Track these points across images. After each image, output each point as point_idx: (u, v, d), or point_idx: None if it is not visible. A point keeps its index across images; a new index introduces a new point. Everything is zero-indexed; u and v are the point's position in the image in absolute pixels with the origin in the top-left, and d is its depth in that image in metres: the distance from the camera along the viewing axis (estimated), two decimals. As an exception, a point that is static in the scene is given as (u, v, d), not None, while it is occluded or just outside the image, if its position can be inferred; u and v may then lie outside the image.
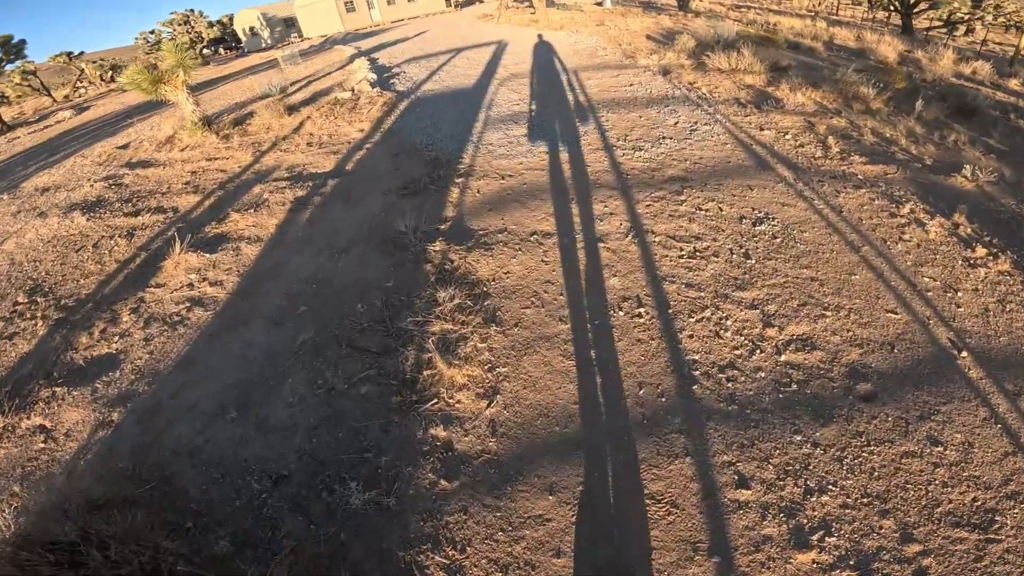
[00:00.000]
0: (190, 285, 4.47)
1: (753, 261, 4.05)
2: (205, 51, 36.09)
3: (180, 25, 32.81)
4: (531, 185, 5.31)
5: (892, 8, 21.33)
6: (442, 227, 4.79)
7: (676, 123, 6.57)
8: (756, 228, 4.45)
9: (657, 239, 4.38)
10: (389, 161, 6.21)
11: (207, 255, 4.85)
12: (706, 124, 6.50)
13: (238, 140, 8.31)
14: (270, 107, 9.15)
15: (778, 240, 4.30)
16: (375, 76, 10.79)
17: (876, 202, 4.81)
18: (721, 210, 4.72)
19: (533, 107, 7.57)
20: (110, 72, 29.82)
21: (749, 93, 7.81)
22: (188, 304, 4.21)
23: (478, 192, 5.28)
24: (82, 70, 29.56)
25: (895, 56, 12.35)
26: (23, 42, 20.06)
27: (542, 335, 3.55)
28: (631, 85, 8.32)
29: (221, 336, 3.84)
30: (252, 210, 5.62)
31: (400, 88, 9.53)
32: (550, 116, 7.13)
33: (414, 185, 5.48)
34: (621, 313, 3.64)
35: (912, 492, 2.43)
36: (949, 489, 2.43)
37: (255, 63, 21.95)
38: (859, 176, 5.28)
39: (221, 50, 36.07)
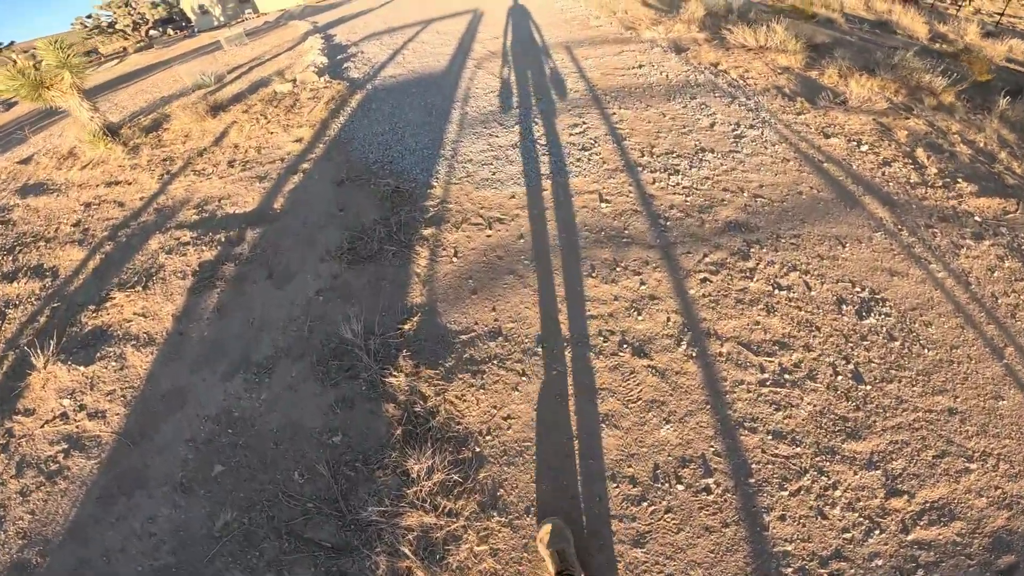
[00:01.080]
0: (63, 416, 2.93)
1: (868, 386, 2.56)
2: (152, 32, 32.42)
3: (120, 7, 29.17)
4: (529, 239, 3.56)
5: (890, -30, 19.39)
6: (406, 327, 3.05)
7: (712, 125, 4.85)
8: (863, 322, 2.87)
9: (723, 349, 2.74)
10: (331, 194, 4.37)
11: (81, 368, 3.15)
12: (752, 127, 4.80)
13: (147, 154, 6.35)
14: (192, 107, 7.12)
15: (897, 344, 2.75)
16: (326, 60, 8.75)
17: (1007, 263, 3.27)
18: (809, 288, 3.10)
19: (522, 100, 5.75)
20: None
21: (790, 80, 6.09)
22: (65, 446, 2.75)
23: (456, 255, 3.50)
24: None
25: (925, 31, 10.69)
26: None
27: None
28: (640, 67, 6.52)
29: (114, 501, 2.48)
30: (142, 287, 3.79)
31: (354, 75, 7.55)
32: (545, 114, 5.33)
33: (365, 243, 3.66)
34: (680, 487, 2.21)
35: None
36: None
37: (203, 44, 19.31)
38: (975, 217, 3.69)
39: (170, 31, 32.50)
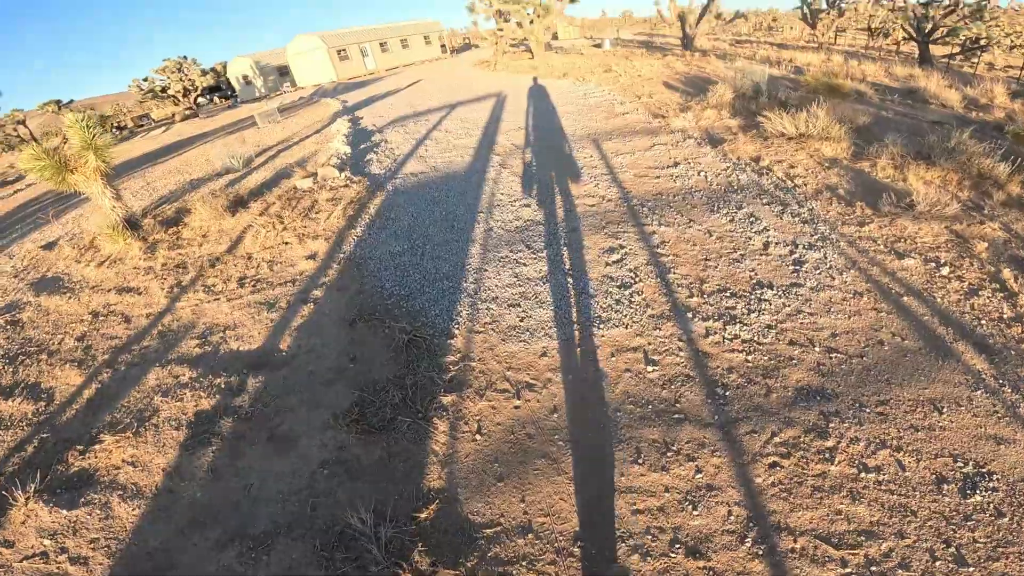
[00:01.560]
0: (44, 555, 2.75)
1: (971, 568, 2.12)
2: (200, 100, 34.24)
3: (173, 73, 31.06)
4: (564, 414, 2.96)
5: (907, 36, 19.03)
6: (423, 516, 2.51)
7: (766, 246, 4.28)
8: (967, 501, 2.33)
9: (797, 544, 2.22)
10: (342, 338, 3.88)
11: (64, 511, 2.90)
12: (811, 247, 4.21)
13: (163, 256, 6.12)
14: (213, 200, 6.96)
15: (1005, 520, 2.26)
16: (349, 149, 8.65)
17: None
18: (903, 467, 2.51)
19: (550, 212, 5.32)
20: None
21: (841, 177, 5.55)
22: (46, 585, 2.49)
23: (479, 432, 2.92)
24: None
25: (957, 98, 10.17)
26: (-3, 92, 16.99)
27: None
28: (675, 165, 6.09)
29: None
30: (133, 432, 3.41)
31: (376, 170, 7.34)
32: (576, 232, 4.85)
33: (376, 408, 3.12)
34: None
35: None
36: None
37: (241, 117, 20.13)
38: (1078, 360, 3.04)
39: (216, 99, 34.33)
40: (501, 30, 20.86)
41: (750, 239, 4.38)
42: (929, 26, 16.41)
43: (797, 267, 3.98)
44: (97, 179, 6.63)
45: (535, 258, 4.48)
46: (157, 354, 4.30)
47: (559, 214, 5.17)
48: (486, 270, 4.39)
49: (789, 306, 3.58)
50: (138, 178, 11.04)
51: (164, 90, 31.63)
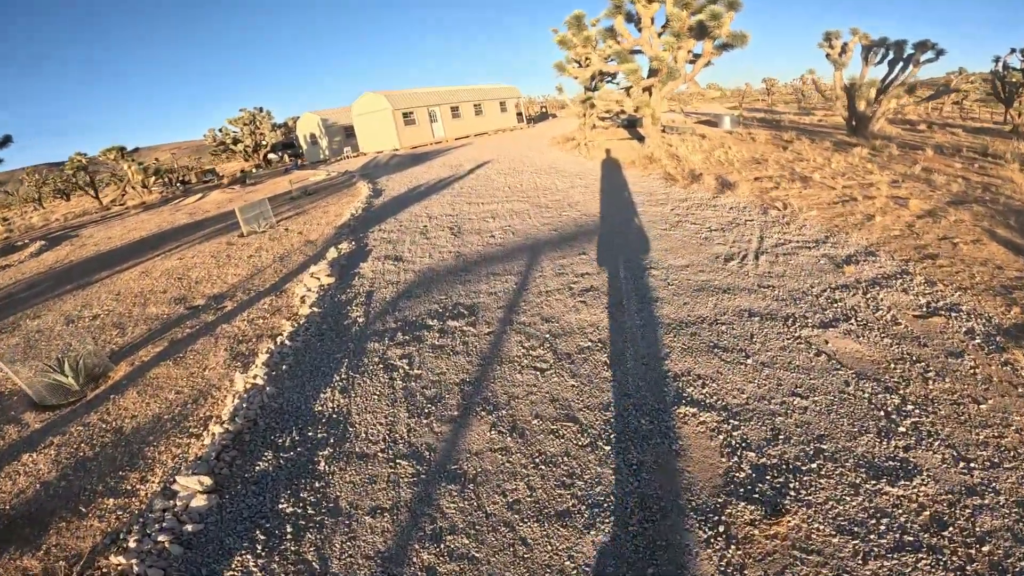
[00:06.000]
0: None
1: None
2: (272, 156, 31.45)
3: (246, 124, 28.22)
4: None
5: None
6: None
7: None
8: None
9: None
10: None
11: None
12: None
13: None
14: None
15: None
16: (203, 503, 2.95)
17: None
18: None
19: None
20: (152, 178, 25.30)
21: None
22: None
23: None
24: (127, 176, 25.23)
25: None
26: (7, 139, 14.25)
27: None
28: None
29: None
30: None
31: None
32: None
33: None
34: None
35: None
36: None
37: (279, 191, 15.75)
38: None
39: (286, 156, 31.46)
40: (592, 100, 15.59)
41: None
42: None
43: None
44: None
45: None
46: None
47: None
48: None
49: None
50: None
51: (236, 142, 28.87)
